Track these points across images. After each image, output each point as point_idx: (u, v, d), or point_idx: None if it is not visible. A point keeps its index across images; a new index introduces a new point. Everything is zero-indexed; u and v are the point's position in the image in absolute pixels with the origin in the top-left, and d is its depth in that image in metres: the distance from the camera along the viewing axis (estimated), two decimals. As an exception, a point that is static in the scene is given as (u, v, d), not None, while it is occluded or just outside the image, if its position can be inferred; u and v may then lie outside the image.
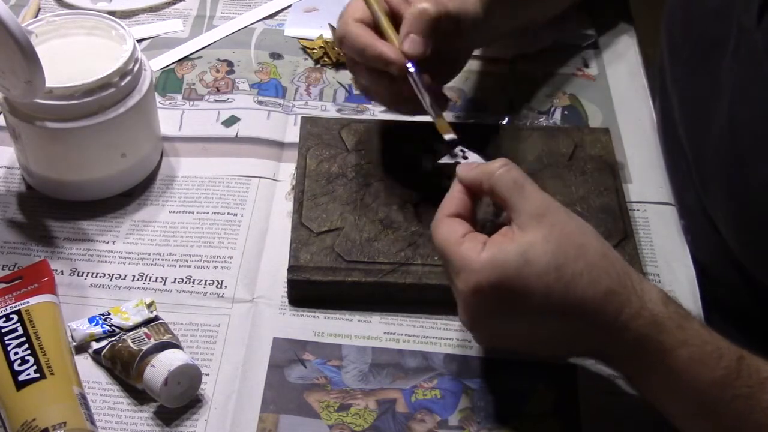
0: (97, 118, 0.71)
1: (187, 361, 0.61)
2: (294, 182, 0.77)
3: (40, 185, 0.76)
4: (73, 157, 0.73)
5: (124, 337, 0.64)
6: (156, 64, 0.89)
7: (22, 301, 0.65)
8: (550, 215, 0.56)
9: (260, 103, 0.86)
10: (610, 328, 0.55)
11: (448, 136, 0.66)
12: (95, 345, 0.65)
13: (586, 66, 0.92)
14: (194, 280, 0.71)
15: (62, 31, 0.76)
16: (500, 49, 0.91)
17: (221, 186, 0.78)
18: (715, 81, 0.69)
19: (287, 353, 0.66)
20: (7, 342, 0.62)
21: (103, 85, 0.70)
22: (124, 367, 0.63)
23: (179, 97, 0.87)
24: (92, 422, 0.60)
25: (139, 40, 0.90)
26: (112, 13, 0.92)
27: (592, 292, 0.54)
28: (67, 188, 0.75)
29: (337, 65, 0.91)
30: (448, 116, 0.85)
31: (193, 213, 0.76)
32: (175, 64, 0.90)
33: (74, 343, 0.65)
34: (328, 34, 0.92)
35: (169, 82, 0.88)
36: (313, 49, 0.92)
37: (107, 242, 0.73)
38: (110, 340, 0.64)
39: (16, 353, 0.61)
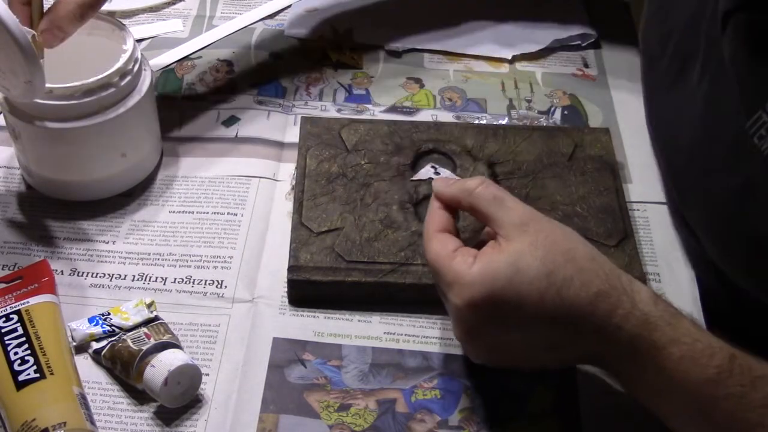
0: (97, 118, 0.70)
1: (187, 361, 0.61)
2: (294, 182, 0.76)
3: (40, 185, 0.76)
4: (73, 157, 0.73)
5: (124, 337, 0.64)
6: (156, 64, 0.89)
7: (22, 301, 0.65)
8: (533, 223, 0.57)
9: (260, 103, 0.86)
10: (604, 330, 0.55)
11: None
12: (95, 345, 0.65)
13: (586, 66, 0.92)
14: (194, 280, 0.71)
15: (62, 31, 0.76)
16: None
17: (221, 186, 0.78)
18: (690, 93, 0.70)
19: (287, 353, 0.66)
20: (7, 342, 0.62)
21: (103, 85, 0.70)
22: (124, 367, 0.63)
23: (179, 97, 0.87)
24: (92, 422, 0.60)
25: (139, 40, 0.90)
26: (112, 13, 0.92)
27: (584, 295, 0.55)
28: (66, 188, 0.75)
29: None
30: (448, 116, 0.85)
31: (193, 213, 0.76)
32: (175, 64, 0.90)
33: (74, 343, 0.65)
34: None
35: (169, 82, 0.88)
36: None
37: (107, 242, 0.73)
38: (110, 340, 0.64)
39: (16, 353, 0.61)
